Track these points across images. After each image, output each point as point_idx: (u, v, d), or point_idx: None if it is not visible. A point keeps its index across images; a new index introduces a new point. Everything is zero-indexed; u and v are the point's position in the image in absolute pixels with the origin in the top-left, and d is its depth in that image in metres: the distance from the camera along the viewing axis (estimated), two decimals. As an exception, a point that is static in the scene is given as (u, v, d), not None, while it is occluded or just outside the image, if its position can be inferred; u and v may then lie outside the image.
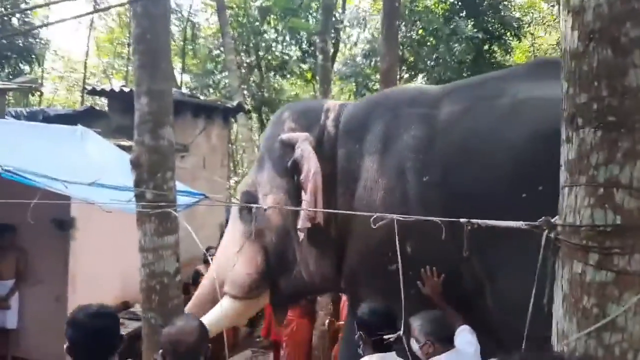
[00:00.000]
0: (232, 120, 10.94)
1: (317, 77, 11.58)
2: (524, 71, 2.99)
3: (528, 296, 2.46)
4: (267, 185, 3.45)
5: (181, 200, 3.84)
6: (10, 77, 10.64)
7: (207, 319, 3.23)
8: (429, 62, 12.42)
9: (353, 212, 2.73)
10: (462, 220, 1.47)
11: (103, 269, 5.44)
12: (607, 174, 1.17)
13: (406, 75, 13.18)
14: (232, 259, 3.49)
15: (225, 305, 3.38)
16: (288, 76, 15.28)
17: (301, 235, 3.13)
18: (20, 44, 11.55)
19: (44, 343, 5.04)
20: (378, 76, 10.13)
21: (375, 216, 1.64)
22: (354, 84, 13.29)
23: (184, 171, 7.70)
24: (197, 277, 6.02)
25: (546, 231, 1.30)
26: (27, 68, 12.38)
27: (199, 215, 6.77)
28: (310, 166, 3.12)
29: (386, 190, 2.94)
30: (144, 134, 3.23)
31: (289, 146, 3.30)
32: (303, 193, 3.13)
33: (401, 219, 1.64)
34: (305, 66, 14.82)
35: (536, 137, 2.48)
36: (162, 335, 2.26)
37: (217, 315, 3.38)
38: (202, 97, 9.68)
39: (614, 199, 1.16)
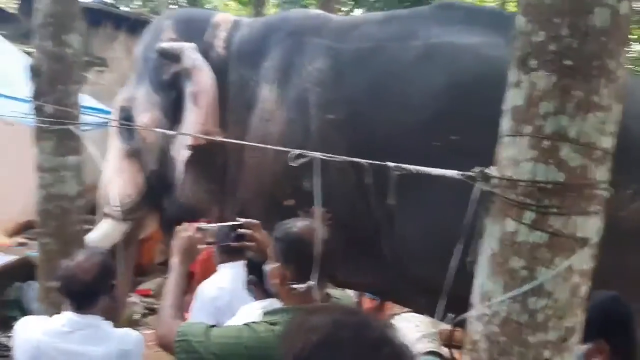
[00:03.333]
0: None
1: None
2: (430, 14, 2.86)
3: (428, 244, 2.47)
4: (143, 101, 3.22)
5: (91, 119, 3.49)
6: None
7: (94, 235, 3.12)
8: (369, -5, 12.09)
9: (271, 146, 2.54)
10: (389, 164, 1.32)
11: (3, 186, 5.02)
12: (555, 125, 1.05)
13: (345, 8, 12.80)
14: (113, 179, 3.30)
15: (106, 226, 3.23)
16: (222, -4, 14.43)
17: (184, 155, 2.96)
18: None
19: None
20: (316, 6, 9.75)
21: (296, 152, 1.45)
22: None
23: (101, 87, 7.16)
24: None
25: (480, 183, 1.17)
26: None
27: (105, 136, 6.35)
28: (204, 78, 2.89)
29: (285, 124, 2.78)
30: (46, 39, 2.83)
31: (169, 58, 3.04)
32: (191, 108, 2.92)
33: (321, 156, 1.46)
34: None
35: (452, 85, 2.42)
36: (60, 267, 2.05)
37: (103, 233, 3.23)
38: (124, 9, 8.93)
39: (559, 154, 1.05)
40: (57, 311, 2.51)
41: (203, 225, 2.03)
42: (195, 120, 2.92)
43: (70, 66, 2.88)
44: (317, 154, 1.44)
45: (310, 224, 1.68)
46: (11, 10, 7.64)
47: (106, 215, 3.28)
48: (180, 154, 3.02)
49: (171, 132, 2.94)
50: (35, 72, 2.84)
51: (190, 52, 2.96)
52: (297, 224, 1.68)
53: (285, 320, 1.54)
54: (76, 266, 1.98)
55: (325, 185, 2.60)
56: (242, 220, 2.08)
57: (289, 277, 1.61)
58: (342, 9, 12.74)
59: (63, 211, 2.89)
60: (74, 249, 2.77)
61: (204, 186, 3.09)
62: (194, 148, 2.92)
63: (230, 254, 2.66)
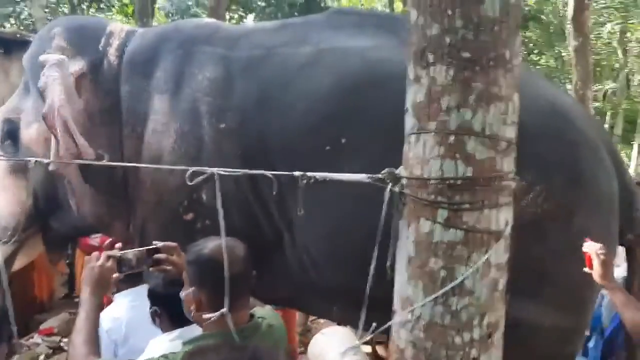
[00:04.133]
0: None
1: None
2: (323, 20, 2.90)
3: (329, 251, 2.46)
4: (31, 112, 2.98)
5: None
6: None
7: None
8: (260, 2, 12.07)
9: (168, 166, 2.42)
10: (296, 173, 1.25)
11: None
12: (459, 119, 1.02)
13: (236, 16, 12.69)
14: None
15: None
16: (105, 9, 13.77)
17: (73, 177, 2.77)
18: None
19: None
20: (204, 15, 9.55)
21: (191, 170, 1.35)
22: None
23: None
24: None
25: (390, 185, 1.13)
26: None
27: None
28: (54, 99, 2.68)
29: (179, 136, 2.69)
30: None
31: (42, 68, 2.84)
32: (52, 131, 2.72)
33: (223, 172, 1.36)
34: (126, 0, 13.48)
35: (339, 88, 2.43)
36: None
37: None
38: (-3, 28, 8.25)
39: (466, 149, 1.02)
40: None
41: (114, 252, 1.85)
42: (55, 147, 2.71)
43: None
44: (216, 170, 1.34)
45: (220, 243, 1.55)
46: None
47: None
48: (71, 175, 2.79)
49: (64, 162, 2.69)
50: None
51: (47, 69, 2.73)
52: (208, 245, 1.58)
53: (208, 346, 1.44)
54: None
55: (221, 197, 2.52)
56: (159, 243, 1.93)
57: (205, 302, 1.51)
58: (234, 16, 12.62)
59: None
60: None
61: (105, 201, 2.89)
62: (86, 169, 2.72)
63: (128, 281, 2.49)
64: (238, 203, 2.41)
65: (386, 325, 1.15)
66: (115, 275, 1.81)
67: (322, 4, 12.41)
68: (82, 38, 2.93)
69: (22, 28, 11.66)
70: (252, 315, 1.60)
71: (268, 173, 1.37)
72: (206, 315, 1.39)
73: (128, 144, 2.76)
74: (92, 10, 13.62)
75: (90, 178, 2.79)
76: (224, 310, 1.36)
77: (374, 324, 1.20)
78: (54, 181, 2.88)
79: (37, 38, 3.16)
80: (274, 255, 2.58)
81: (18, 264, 3.42)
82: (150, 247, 1.93)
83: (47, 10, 11.41)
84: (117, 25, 3.08)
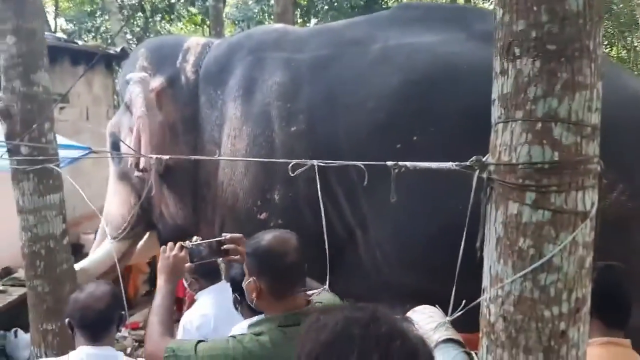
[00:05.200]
0: (116, 68, 10.16)
1: (208, 21, 11.00)
2: (389, 16, 2.92)
3: (400, 247, 2.51)
4: (126, 125, 3.27)
5: (64, 154, 3.46)
6: None
7: (90, 259, 3.19)
8: (322, 6, 12.22)
9: (272, 160, 2.56)
10: (389, 163, 1.36)
11: (-22, 233, 4.89)
12: (545, 107, 1.10)
13: (300, 20, 12.91)
14: (109, 200, 3.44)
15: (106, 246, 3.27)
16: (176, 20, 14.37)
17: (137, 175, 3.03)
18: None
19: None
20: (271, 21, 9.81)
21: (293, 162, 1.48)
22: (246, 29, 12.80)
23: (64, 124, 7.05)
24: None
25: (477, 171, 1.22)
26: None
27: (85, 171, 6.27)
28: (136, 110, 2.95)
29: (251, 139, 2.83)
30: (14, 79, 2.80)
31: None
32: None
33: (321, 164, 1.49)
34: (194, 9, 14.01)
35: (409, 85, 2.45)
36: (70, 301, 2.02)
37: (99, 255, 3.30)
38: (80, 43, 8.82)
39: (552, 135, 1.10)
40: (56, 354, 2.47)
41: (187, 243, 2.03)
42: (130, 150, 2.98)
43: (41, 105, 2.85)
44: (316, 162, 1.46)
45: (278, 235, 1.72)
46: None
47: (103, 235, 3.33)
48: (135, 175, 3.08)
49: (134, 154, 2.94)
50: (6, 115, 2.80)
51: (131, 85, 3.01)
52: (266, 237, 1.72)
53: (270, 329, 1.61)
54: (88, 296, 1.96)
55: (292, 197, 2.65)
56: (227, 235, 2.11)
57: (264, 289, 1.66)
58: (297, 20, 12.86)
59: (50, 251, 2.84)
60: (64, 288, 2.74)
61: (189, 204, 3.12)
62: (169, 173, 2.97)
63: (207, 277, 2.67)
64: (310, 202, 2.52)
65: (477, 301, 1.24)
66: (187, 264, 2.00)
67: (384, 6, 12.46)
68: (161, 57, 3.19)
69: (101, 41, 12.38)
70: (309, 302, 1.73)
71: (359, 163, 1.48)
72: (309, 292, 1.54)
73: (207, 149, 2.95)
74: (163, 21, 14.25)
75: (172, 184, 3.02)
76: (325, 287, 1.50)
77: (464, 301, 1.29)
78: (153, 187, 3.14)
79: (127, 61, 3.48)
80: (346, 253, 2.67)
81: (136, 258, 3.79)
82: (220, 238, 2.11)
83: (125, 25, 12.05)
84: (194, 41, 3.31)
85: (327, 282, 1.65)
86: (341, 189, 2.55)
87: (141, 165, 2.89)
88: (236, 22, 13.22)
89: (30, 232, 2.83)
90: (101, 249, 3.31)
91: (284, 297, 1.66)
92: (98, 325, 1.92)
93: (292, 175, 1.63)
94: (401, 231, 2.46)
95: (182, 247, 1.96)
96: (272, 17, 10.34)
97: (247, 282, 1.69)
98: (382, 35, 2.70)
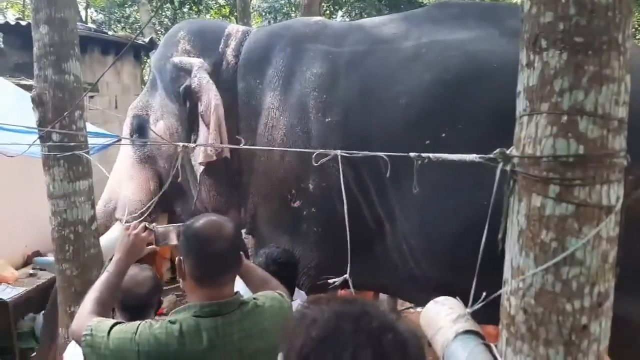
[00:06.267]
0: (145, 58, 10.30)
1: (235, 13, 11.05)
2: (425, 13, 2.93)
3: (426, 240, 2.51)
4: (159, 109, 3.29)
5: (93, 141, 3.54)
6: None
7: (102, 243, 3.13)
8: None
9: (299, 150, 2.58)
10: (411, 154, 1.36)
11: (9, 217, 5.03)
12: (571, 100, 1.09)
13: (327, 11, 12.88)
14: (124, 185, 3.37)
15: (117, 230, 3.27)
16: (204, 11, 14.48)
17: (200, 168, 3.03)
18: None
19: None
20: (297, 14, 9.79)
21: (317, 152, 1.50)
22: (272, 21, 12.82)
23: (94, 113, 7.20)
24: None
25: (501, 164, 1.22)
26: None
27: (113, 159, 6.38)
28: (211, 98, 2.97)
29: (288, 129, 2.86)
30: (46, 68, 2.87)
31: (182, 70, 3.11)
32: (202, 125, 2.99)
33: (345, 154, 1.50)
34: (221, 1, 14.09)
35: (440, 82, 2.46)
36: None
37: (110, 240, 3.29)
38: (110, 33, 8.96)
39: (578, 128, 1.09)
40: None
41: (152, 225, 1.99)
42: (204, 139, 2.99)
43: (72, 93, 2.92)
44: (340, 152, 1.47)
45: (213, 220, 1.65)
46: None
47: (118, 220, 3.34)
48: (197, 163, 3.08)
49: (216, 145, 2.97)
50: (38, 102, 2.87)
51: (197, 71, 3.03)
52: (201, 219, 1.66)
53: (185, 318, 1.56)
54: (131, 280, 2.00)
55: (326, 187, 2.68)
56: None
57: (187, 271, 1.61)
58: (325, 12, 12.83)
59: (78, 236, 2.92)
60: (92, 272, 2.81)
61: (221, 191, 3.15)
62: (207, 164, 2.99)
63: None
64: (341, 193, 2.55)
65: (497, 294, 1.24)
66: (151, 246, 1.94)
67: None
68: (204, 41, 3.22)
69: (130, 31, 12.55)
70: (236, 293, 1.66)
71: (383, 154, 1.49)
72: (331, 280, 1.55)
73: (244, 137, 2.99)
74: (191, 12, 14.36)
75: (210, 170, 3.06)
76: (346, 276, 1.51)
77: (484, 293, 1.29)
78: (180, 170, 3.18)
79: (163, 42, 3.50)
80: (375, 244, 2.70)
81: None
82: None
83: (153, 15, 12.18)
84: (234, 27, 3.34)
85: (348, 272, 1.64)
86: (371, 181, 2.59)
87: (224, 154, 2.91)
88: (262, 13, 13.25)
89: (60, 217, 2.91)
90: (111, 234, 3.33)
91: (206, 285, 1.60)
92: (138, 308, 1.97)
93: (316, 164, 1.64)
94: (427, 224, 2.48)
95: (145, 228, 1.89)
96: (298, 8, 10.35)
97: (177, 259, 1.65)
98: (416, 33, 2.72)
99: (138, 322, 1.60)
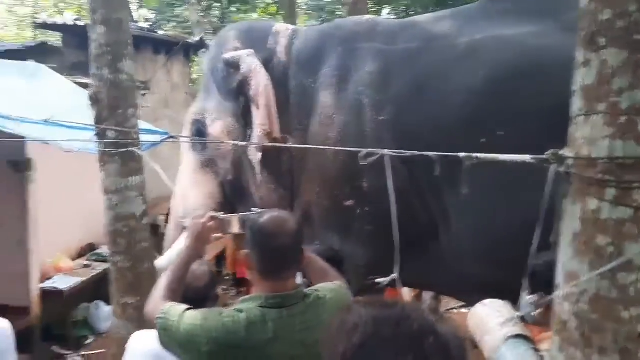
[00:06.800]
0: (194, 57, 10.50)
1: (281, 11, 11.14)
2: (478, 8, 2.87)
3: (480, 240, 2.46)
4: (215, 110, 3.33)
5: (145, 139, 3.63)
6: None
7: (170, 254, 3.19)
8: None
9: (346, 149, 2.58)
10: (461, 155, 1.34)
11: (65, 211, 5.24)
12: (630, 100, 1.05)
13: (372, 9, 12.80)
14: (188, 190, 3.41)
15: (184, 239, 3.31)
16: (251, 10, 14.65)
17: (257, 156, 3.05)
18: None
19: (5, 286, 4.87)
20: (343, 11, 9.77)
21: (365, 151, 1.50)
22: (319, 20, 12.84)
23: (145, 110, 7.39)
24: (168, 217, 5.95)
25: (555, 165, 1.18)
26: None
27: (164, 156, 6.54)
28: (260, 80, 2.99)
29: (342, 127, 2.86)
30: (103, 67, 2.98)
31: (234, 66, 3.15)
32: (254, 110, 3.02)
33: (393, 154, 1.50)
34: (268, 0, 14.23)
35: (495, 79, 2.41)
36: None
37: (177, 252, 3.32)
38: (161, 32, 9.19)
39: (637, 129, 1.05)
40: (136, 326, 2.62)
41: (217, 214, 2.05)
42: (258, 122, 3.03)
43: (126, 91, 3.01)
44: (387, 151, 1.47)
45: (277, 216, 1.71)
46: (56, 44, 7.97)
47: (183, 227, 3.38)
48: (255, 157, 3.10)
49: (230, 142, 3.02)
50: (95, 100, 2.98)
51: (246, 58, 3.07)
52: (266, 215, 1.72)
53: (250, 308, 1.63)
54: (190, 274, 2.07)
55: (379, 185, 2.66)
56: (257, 210, 2.14)
57: (253, 264, 1.67)
58: (371, 9, 12.77)
59: (131, 230, 3.02)
60: (143, 265, 2.90)
61: (274, 189, 3.18)
62: (262, 158, 3.02)
63: None
64: (397, 192, 2.53)
65: (549, 298, 1.21)
66: (218, 235, 2.03)
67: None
68: (253, 39, 3.26)
69: (180, 30, 12.82)
70: (298, 287, 1.72)
71: (433, 154, 1.48)
72: (378, 280, 1.55)
73: (296, 135, 3.01)
74: (239, 11, 14.55)
75: (265, 166, 3.09)
76: (395, 275, 1.50)
77: (536, 297, 1.26)
78: (240, 170, 3.23)
79: (213, 44, 3.57)
80: (427, 243, 2.68)
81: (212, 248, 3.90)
82: (249, 213, 2.14)
83: (201, 14, 12.42)
84: (282, 25, 3.37)
85: (397, 271, 1.63)
86: (426, 180, 2.56)
87: (274, 135, 2.95)
88: (309, 12, 13.30)
89: (113, 211, 3.01)
90: (180, 245, 3.37)
91: (270, 277, 1.66)
92: (197, 301, 2.02)
93: (365, 164, 1.64)
94: (481, 224, 2.44)
95: (212, 217, 1.97)
96: (344, 6, 10.35)
97: (244, 253, 1.71)
98: (469, 29, 2.68)
99: (211, 309, 1.70)
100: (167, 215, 6.00)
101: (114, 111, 2.95)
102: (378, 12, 12.50)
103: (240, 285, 6.42)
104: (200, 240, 1.92)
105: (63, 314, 5.18)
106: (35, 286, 4.93)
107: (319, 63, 3.03)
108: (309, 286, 1.80)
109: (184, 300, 2.03)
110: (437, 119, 2.54)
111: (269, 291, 1.64)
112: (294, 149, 2.96)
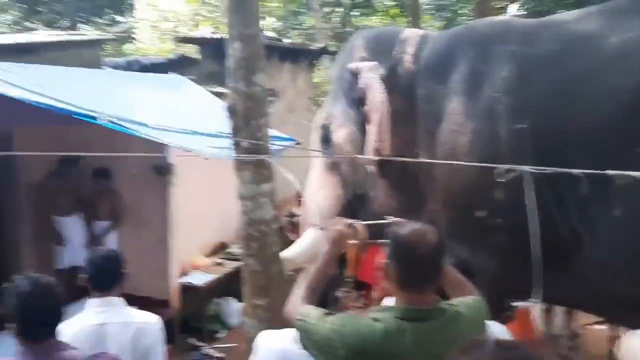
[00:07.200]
0: (317, 63, 10.77)
1: (403, 12, 11.11)
2: (628, 5, 2.59)
3: (632, 256, 2.24)
4: (340, 117, 3.39)
5: (274, 146, 3.82)
6: (105, 27, 10.98)
7: (297, 247, 3.31)
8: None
9: (481, 164, 2.49)
10: (609, 172, 1.27)
11: (201, 211, 5.64)
12: None
13: (498, 5, 12.29)
14: (316, 191, 3.53)
15: (310, 235, 3.44)
16: (372, 13, 14.73)
17: (372, 168, 3.07)
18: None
19: (148, 280, 5.34)
20: (467, 10, 9.49)
21: (506, 167, 1.46)
22: (442, 20, 12.57)
23: (272, 116, 7.72)
24: (292, 218, 6.20)
25: None
26: (121, 18, 12.72)
27: (291, 162, 6.79)
28: (375, 96, 2.99)
29: (474, 135, 2.73)
30: (239, 80, 3.17)
31: (357, 76, 3.18)
32: (368, 124, 3.04)
33: (532, 170, 1.44)
34: (389, 2, 14.20)
35: None
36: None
37: (305, 245, 3.44)
38: (286, 41, 9.56)
39: None
40: (265, 326, 2.76)
41: (353, 221, 2.11)
42: (370, 138, 3.06)
43: (259, 103, 3.19)
44: (527, 168, 1.42)
45: (419, 228, 1.69)
46: (194, 56, 8.59)
47: (313, 225, 3.53)
48: (370, 167, 3.15)
49: (342, 156, 3.07)
50: (232, 112, 3.18)
51: (365, 72, 3.11)
52: (407, 226, 1.72)
53: (387, 317, 1.62)
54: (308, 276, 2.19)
55: (515, 196, 2.54)
56: (392, 218, 2.15)
57: (393, 276, 1.67)
58: (497, 6, 12.28)
59: (262, 234, 3.18)
60: (273, 268, 3.05)
61: (396, 197, 3.18)
62: (382, 164, 3.05)
63: None
64: (534, 204, 2.41)
65: None
66: (354, 241, 2.07)
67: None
68: (379, 47, 3.28)
69: (304, 37, 13.24)
70: (438, 299, 1.68)
71: (576, 171, 1.40)
72: (516, 304, 1.51)
73: (422, 143, 2.98)
74: (360, 15, 14.70)
75: (384, 174, 3.11)
76: (535, 300, 1.46)
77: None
78: (359, 176, 3.29)
79: (342, 52, 3.66)
80: (568, 258, 2.51)
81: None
82: (383, 221, 2.14)
83: (323, 20, 12.72)
84: (411, 32, 3.34)
85: (536, 287, 1.57)
86: (569, 191, 2.41)
87: (384, 152, 3.01)
88: (432, 11, 13.07)
89: (247, 216, 3.20)
90: (306, 240, 3.53)
91: (408, 289, 1.65)
92: (320, 301, 2.09)
93: (500, 180, 1.60)
94: (634, 240, 2.26)
95: (349, 225, 2.05)
96: (468, 4, 10.08)
97: (384, 263, 1.72)
98: (619, 28, 2.46)
99: (345, 314, 1.76)
100: (290, 216, 6.27)
101: (248, 121, 3.13)
102: (503, 10, 11.98)
103: (361, 288, 6.49)
104: (337, 246, 2.01)
105: (198, 308, 5.57)
106: (175, 281, 5.37)
107: (449, 68, 2.93)
108: (443, 297, 1.78)
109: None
110: (586, 128, 2.36)
111: (406, 303, 1.65)
112: (422, 154, 2.92)
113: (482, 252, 2.78)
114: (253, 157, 3.02)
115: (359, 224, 2.11)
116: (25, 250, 5.45)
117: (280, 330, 2.27)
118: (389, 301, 2.74)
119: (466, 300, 1.77)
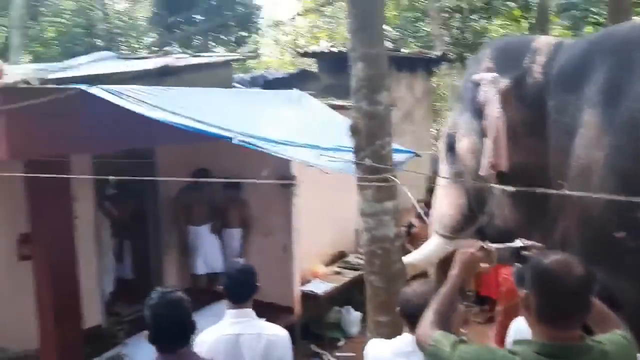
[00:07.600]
0: (436, 71, 10.62)
1: (524, 15, 10.61)
2: None
3: None
4: (464, 127, 3.36)
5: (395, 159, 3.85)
6: (232, 45, 11.68)
7: (418, 254, 3.42)
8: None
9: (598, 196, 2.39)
10: None
11: (321, 222, 5.84)
12: None
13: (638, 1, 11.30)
14: (440, 199, 3.62)
15: (433, 241, 3.47)
16: (493, 17, 14.20)
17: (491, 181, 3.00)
18: (241, 13, 12.58)
19: (273, 287, 5.59)
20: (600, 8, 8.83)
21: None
22: (570, 21, 11.79)
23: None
24: (410, 229, 6.26)
25: None
26: (245, 35, 13.45)
27: (413, 178, 6.77)
28: (492, 111, 2.91)
29: (613, 149, 2.54)
30: (361, 100, 3.24)
31: (479, 87, 3.11)
32: (484, 138, 2.96)
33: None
34: (512, 4, 13.60)
35: None
36: (400, 293, 2.34)
37: (427, 251, 3.54)
38: (404, 50, 9.53)
39: None
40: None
41: (487, 244, 2.04)
42: (486, 152, 3.02)
43: (382, 121, 3.24)
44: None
45: (565, 259, 1.61)
46: (312, 69, 8.87)
47: (435, 232, 3.59)
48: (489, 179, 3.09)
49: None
50: (354, 131, 3.26)
51: (485, 85, 3.06)
52: (552, 256, 1.63)
53: (525, 351, 1.56)
54: (411, 291, 2.24)
55: None
56: (527, 242, 2.07)
57: (532, 306, 1.59)
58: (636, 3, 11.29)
59: (385, 251, 3.23)
60: (397, 285, 3.08)
61: (522, 210, 3.10)
62: (504, 176, 2.98)
63: None
64: None
65: None
66: (485, 265, 2.03)
67: None
68: (506, 57, 3.21)
69: (421, 45, 13.11)
70: (582, 337, 1.58)
71: None
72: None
73: (552, 156, 2.86)
74: (480, 19, 14.24)
75: (507, 184, 3.02)
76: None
77: None
78: (481, 187, 3.25)
79: (471, 61, 3.64)
80: None
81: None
82: (521, 245, 2.07)
83: (443, 27, 12.51)
84: (544, 40, 3.20)
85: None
86: None
87: (500, 168, 2.98)
88: (560, 10, 12.32)
89: (370, 234, 3.26)
90: (428, 246, 3.57)
91: (548, 323, 1.57)
92: (414, 317, 2.11)
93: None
94: None
95: (482, 248, 2.00)
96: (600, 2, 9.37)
97: (524, 293, 1.65)
98: None
99: (479, 345, 1.75)
100: (408, 226, 6.26)
101: (371, 140, 3.19)
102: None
103: (484, 302, 6.31)
104: (467, 269, 1.98)
105: (319, 316, 5.75)
106: (297, 289, 5.59)
107: (584, 78, 2.75)
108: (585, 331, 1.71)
109: (403, 314, 2.17)
110: None
111: (548, 338, 1.57)
112: (552, 167, 2.82)
113: (620, 275, 2.60)
114: (374, 177, 3.07)
115: (492, 247, 2.05)
116: (167, 257, 5.98)
117: (389, 340, 2.32)
118: (519, 322, 2.67)
119: (613, 337, 1.66)
